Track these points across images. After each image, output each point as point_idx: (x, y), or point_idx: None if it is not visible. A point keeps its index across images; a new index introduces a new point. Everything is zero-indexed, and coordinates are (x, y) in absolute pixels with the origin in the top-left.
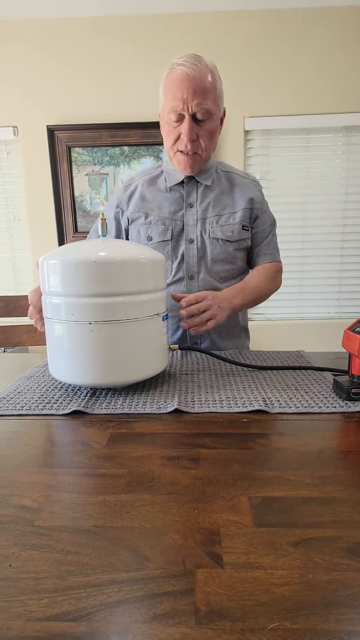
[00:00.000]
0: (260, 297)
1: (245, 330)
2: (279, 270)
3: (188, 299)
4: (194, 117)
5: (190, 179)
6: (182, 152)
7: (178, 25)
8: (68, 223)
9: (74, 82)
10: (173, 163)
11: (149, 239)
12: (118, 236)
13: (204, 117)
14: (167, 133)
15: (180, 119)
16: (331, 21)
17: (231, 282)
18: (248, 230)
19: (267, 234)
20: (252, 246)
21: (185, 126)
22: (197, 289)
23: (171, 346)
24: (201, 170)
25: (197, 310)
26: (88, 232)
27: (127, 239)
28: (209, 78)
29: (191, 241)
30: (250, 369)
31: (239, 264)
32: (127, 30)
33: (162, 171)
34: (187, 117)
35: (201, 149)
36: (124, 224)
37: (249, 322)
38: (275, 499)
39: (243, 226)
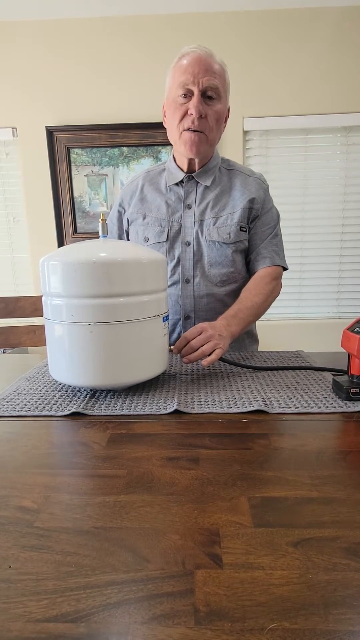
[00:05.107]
0: (257, 315)
1: (250, 335)
2: (276, 277)
3: (180, 340)
4: (203, 95)
5: (190, 178)
6: (188, 130)
7: (177, 25)
8: (67, 224)
9: (73, 83)
10: (178, 145)
11: (146, 239)
12: (121, 234)
13: (213, 95)
14: (172, 112)
15: (188, 94)
16: (330, 21)
17: (230, 287)
18: (246, 232)
19: (267, 236)
20: (250, 249)
21: (194, 101)
22: (192, 293)
23: (172, 347)
24: (202, 170)
25: (198, 345)
26: (87, 232)
27: (127, 239)
28: (219, 65)
29: (188, 244)
30: (249, 369)
31: (238, 267)
32: (127, 30)
33: (165, 169)
34: (196, 92)
35: (208, 129)
36: (125, 224)
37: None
38: (274, 499)
39: (241, 227)
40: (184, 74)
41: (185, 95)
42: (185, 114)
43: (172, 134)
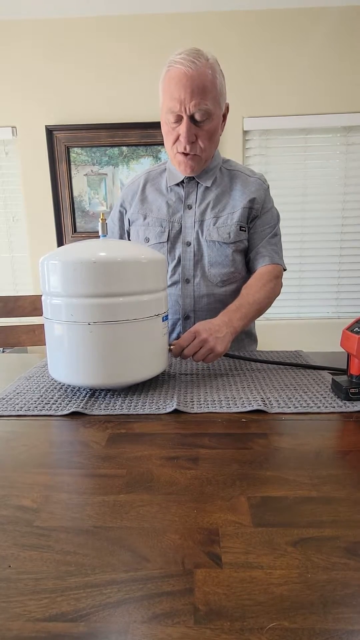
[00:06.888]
0: (259, 311)
1: (249, 335)
2: (277, 276)
3: (175, 348)
4: (192, 118)
5: (191, 179)
6: (181, 153)
7: (176, 25)
8: (67, 223)
9: (72, 82)
10: (173, 163)
11: (147, 240)
12: (122, 234)
13: (203, 118)
14: (166, 133)
15: (178, 120)
16: (330, 21)
17: (230, 287)
18: (245, 231)
19: (266, 235)
20: (250, 248)
21: (183, 128)
22: (192, 293)
23: (171, 347)
24: (202, 171)
25: (190, 354)
26: (87, 232)
27: (128, 239)
28: (209, 76)
29: (188, 244)
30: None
31: (238, 267)
32: (126, 30)
33: (166, 169)
34: (185, 118)
35: (200, 150)
36: (126, 225)
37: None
38: (274, 498)
39: (240, 227)
40: (172, 99)
41: (175, 121)
42: (177, 139)
43: (168, 150)
